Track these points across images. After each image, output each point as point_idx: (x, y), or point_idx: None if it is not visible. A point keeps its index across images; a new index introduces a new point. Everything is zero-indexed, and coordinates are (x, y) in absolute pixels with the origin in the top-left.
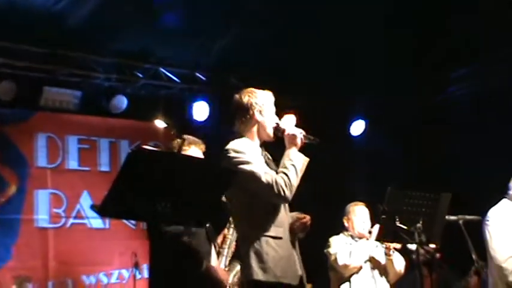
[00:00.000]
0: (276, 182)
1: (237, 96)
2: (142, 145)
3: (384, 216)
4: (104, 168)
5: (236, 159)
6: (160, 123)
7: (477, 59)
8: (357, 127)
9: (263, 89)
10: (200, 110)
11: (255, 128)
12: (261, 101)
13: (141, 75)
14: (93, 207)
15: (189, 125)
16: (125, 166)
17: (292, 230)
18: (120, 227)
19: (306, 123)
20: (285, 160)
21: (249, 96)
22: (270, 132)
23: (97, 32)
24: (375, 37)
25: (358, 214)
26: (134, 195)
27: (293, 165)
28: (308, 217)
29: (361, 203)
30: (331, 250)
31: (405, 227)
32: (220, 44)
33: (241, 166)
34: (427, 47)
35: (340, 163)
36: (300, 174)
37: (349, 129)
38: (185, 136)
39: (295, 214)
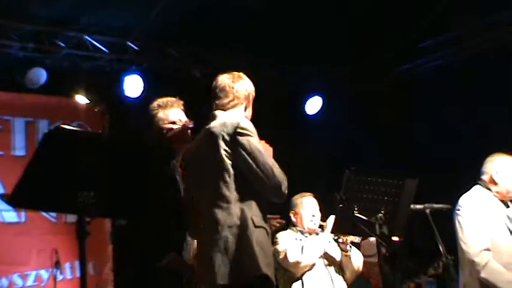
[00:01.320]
0: (284, 180)
1: (227, 78)
2: (63, 125)
3: (341, 205)
4: (19, 152)
5: (255, 143)
6: (81, 99)
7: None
8: (313, 105)
9: (207, 61)
10: (132, 85)
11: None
12: (252, 91)
13: (62, 44)
14: (3, 196)
15: (120, 102)
16: (40, 148)
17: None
18: (38, 221)
19: (254, 102)
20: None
21: (245, 83)
22: None
23: None
24: (330, 3)
25: (307, 207)
26: (52, 182)
27: None
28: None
29: (308, 193)
30: (279, 247)
31: (365, 218)
32: (156, 8)
33: (258, 151)
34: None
35: (294, 146)
36: None
37: (304, 107)
38: (160, 100)
39: None
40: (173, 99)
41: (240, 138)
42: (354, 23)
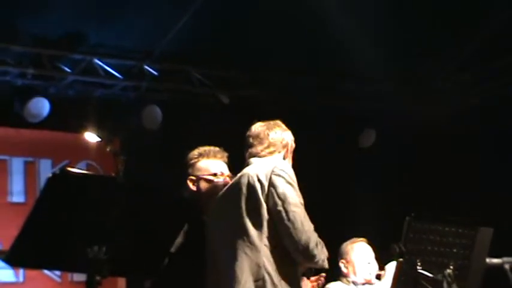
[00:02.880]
0: (313, 238)
1: (261, 126)
2: (70, 166)
3: (400, 259)
4: (17, 198)
5: (289, 188)
6: (91, 136)
7: None
8: (366, 137)
9: (239, 87)
10: (151, 116)
11: None
12: (292, 144)
13: (68, 69)
14: None
15: (136, 137)
16: (43, 195)
17: None
18: (39, 280)
19: (300, 132)
20: None
21: (282, 131)
22: None
23: (6, 9)
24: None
25: (360, 253)
26: (56, 235)
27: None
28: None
29: (360, 239)
30: None
31: (430, 274)
32: (178, 26)
33: (291, 197)
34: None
35: (343, 182)
36: None
37: (356, 140)
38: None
39: None
40: (217, 149)
41: (274, 178)
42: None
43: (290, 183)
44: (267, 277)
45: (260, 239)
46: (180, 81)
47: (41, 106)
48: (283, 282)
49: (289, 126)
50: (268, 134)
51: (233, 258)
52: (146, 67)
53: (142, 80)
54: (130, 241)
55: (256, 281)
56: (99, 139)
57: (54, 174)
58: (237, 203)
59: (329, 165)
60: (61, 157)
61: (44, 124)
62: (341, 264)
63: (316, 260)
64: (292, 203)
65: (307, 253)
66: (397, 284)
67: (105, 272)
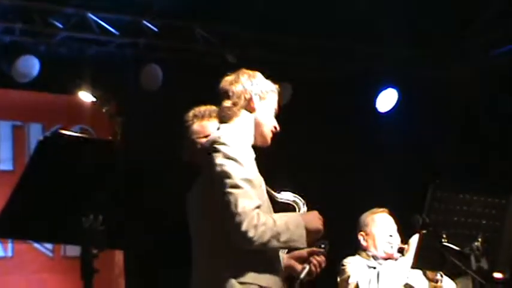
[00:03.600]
0: (249, 219)
1: (224, 81)
2: (62, 130)
3: (424, 231)
4: (4, 165)
5: (229, 164)
6: (85, 96)
7: None
8: (386, 99)
9: (248, 46)
10: (150, 77)
11: (248, 125)
12: (265, 91)
13: (59, 25)
14: None
15: (134, 98)
16: (33, 161)
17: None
18: (28, 255)
19: (314, 96)
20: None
21: (248, 78)
22: (268, 136)
23: None
24: None
25: (382, 225)
26: (48, 204)
27: (289, 228)
28: (322, 257)
29: (382, 209)
30: (349, 279)
31: (456, 248)
32: None
33: (228, 175)
34: None
35: (361, 148)
36: (280, 243)
37: (374, 103)
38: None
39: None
40: (213, 108)
41: (213, 155)
42: None
43: (230, 158)
44: (224, 262)
45: (213, 223)
46: (182, 39)
47: (30, 65)
48: (241, 267)
49: (302, 90)
50: (227, 91)
51: (195, 244)
52: (145, 22)
53: (141, 37)
54: (128, 211)
55: (213, 268)
56: (94, 100)
57: (45, 137)
58: (197, 183)
59: (347, 130)
60: (52, 121)
61: (34, 85)
62: (360, 237)
63: (255, 242)
64: (228, 183)
65: (240, 237)
66: (419, 258)
67: (101, 244)
